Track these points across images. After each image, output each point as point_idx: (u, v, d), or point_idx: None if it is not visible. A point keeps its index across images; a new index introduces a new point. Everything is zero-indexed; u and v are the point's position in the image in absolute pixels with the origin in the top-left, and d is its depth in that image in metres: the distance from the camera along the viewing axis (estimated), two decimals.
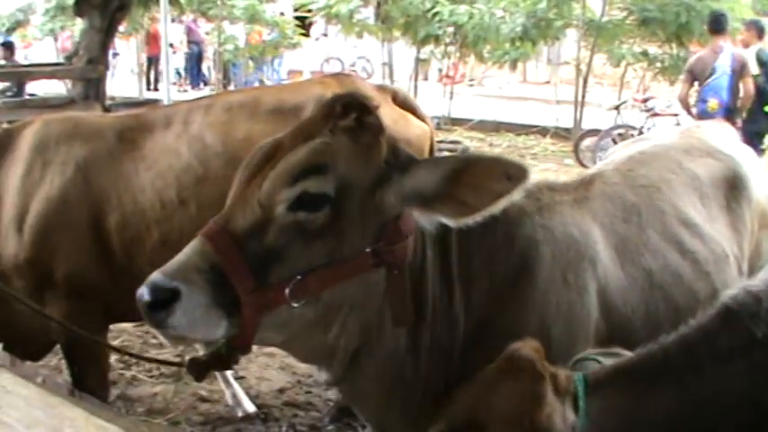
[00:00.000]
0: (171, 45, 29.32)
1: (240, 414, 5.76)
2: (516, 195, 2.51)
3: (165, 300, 2.43)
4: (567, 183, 3.40)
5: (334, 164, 2.58)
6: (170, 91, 13.64)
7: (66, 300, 4.41)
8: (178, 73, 28.97)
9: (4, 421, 1.49)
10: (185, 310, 2.42)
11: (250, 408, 5.79)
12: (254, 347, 6.09)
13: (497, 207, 2.53)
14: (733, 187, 3.83)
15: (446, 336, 2.90)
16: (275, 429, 5.68)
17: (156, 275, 2.49)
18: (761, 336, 2.37)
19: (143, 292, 2.46)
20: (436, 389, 2.87)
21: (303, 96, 4.88)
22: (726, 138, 4.22)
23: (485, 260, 2.96)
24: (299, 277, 2.49)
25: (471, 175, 2.56)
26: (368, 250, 2.61)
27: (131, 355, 5.69)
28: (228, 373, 5.82)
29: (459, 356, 2.91)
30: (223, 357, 2.59)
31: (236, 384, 5.86)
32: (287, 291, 2.48)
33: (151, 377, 6.40)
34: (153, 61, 28.72)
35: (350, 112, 2.65)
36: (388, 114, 5.11)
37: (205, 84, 28.96)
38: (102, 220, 4.42)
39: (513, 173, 2.50)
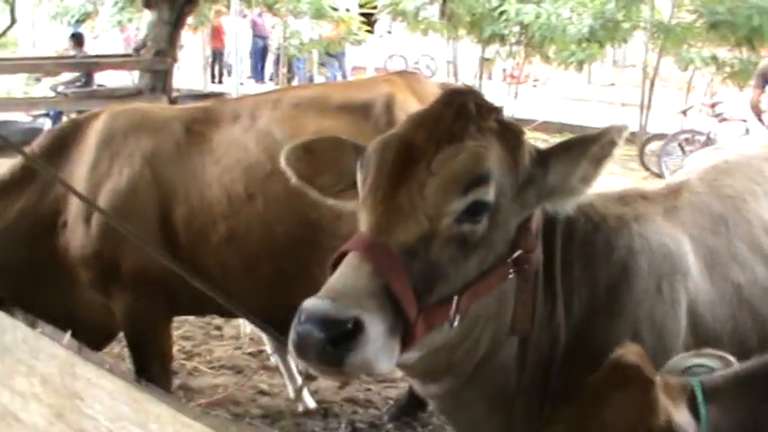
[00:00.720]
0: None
1: (300, 409, 5.78)
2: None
3: (345, 334, 2.14)
4: (656, 191, 3.32)
5: (493, 170, 2.46)
6: (238, 84, 13.66)
7: (132, 292, 4.44)
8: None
9: (87, 414, 1.49)
10: (370, 344, 2.16)
11: (310, 403, 5.81)
12: None
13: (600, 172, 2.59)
14: None
15: (547, 347, 2.81)
16: (335, 425, 5.69)
17: (322, 305, 2.19)
18: None
19: (309, 329, 2.16)
20: (534, 404, 2.80)
21: (371, 94, 4.89)
22: None
23: (585, 268, 2.89)
24: (456, 296, 2.34)
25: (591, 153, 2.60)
26: (509, 259, 2.52)
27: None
28: (293, 365, 5.82)
29: (557, 369, 2.82)
30: None
31: (299, 378, 5.86)
32: (451, 311, 2.33)
33: (212, 368, 6.45)
34: (217, 55, 28.94)
35: (483, 112, 2.56)
36: None
37: (270, 79, 29.05)
38: (168, 214, 4.44)
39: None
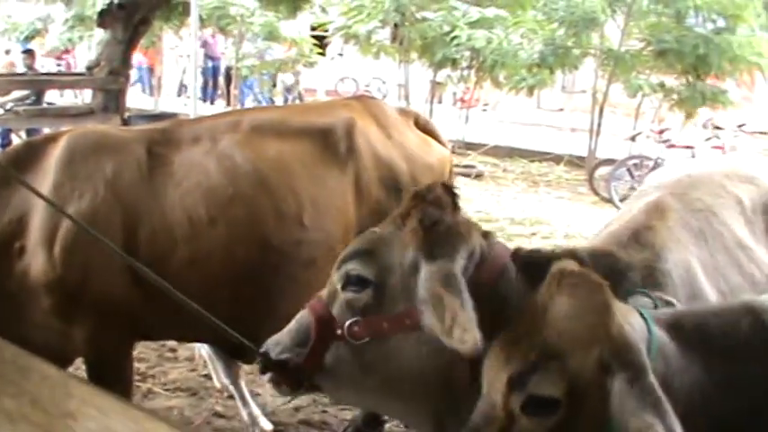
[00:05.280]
0: (181, 57, 29.64)
1: (256, 431, 5.77)
2: None
3: None
4: (641, 217, 3.43)
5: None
6: (196, 105, 13.61)
7: (95, 318, 4.37)
8: (185, 86, 29.03)
9: None
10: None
11: (266, 425, 5.78)
12: None
13: None
14: None
15: None
16: None
17: None
18: None
19: None
20: None
21: (331, 119, 4.90)
22: (761, 165, 4.27)
23: None
24: None
25: None
26: None
27: None
28: (245, 389, 5.82)
29: None
30: None
31: (252, 401, 5.86)
32: None
33: (167, 390, 6.40)
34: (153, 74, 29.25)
35: None
36: (412, 139, 5.14)
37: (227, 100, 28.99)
38: (131, 236, 4.38)
39: None
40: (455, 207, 3.03)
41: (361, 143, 4.79)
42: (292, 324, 3.09)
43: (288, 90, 27.69)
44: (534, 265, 2.78)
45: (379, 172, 4.80)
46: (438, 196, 2.99)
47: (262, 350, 3.12)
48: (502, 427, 2.39)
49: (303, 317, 3.06)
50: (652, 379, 2.32)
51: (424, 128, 5.31)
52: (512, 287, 2.90)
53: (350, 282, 2.96)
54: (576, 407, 2.37)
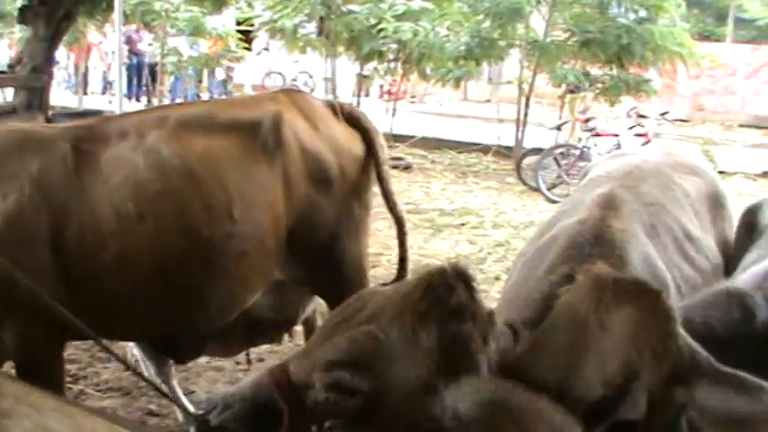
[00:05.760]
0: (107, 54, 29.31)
1: (191, 430, 5.73)
2: None
3: None
4: (596, 211, 3.43)
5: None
6: (121, 102, 13.46)
7: (25, 320, 4.29)
8: (110, 83, 28.72)
9: None
10: None
11: None
12: (203, 360, 6.02)
13: None
14: (717, 205, 3.97)
15: None
16: None
17: None
18: None
19: None
20: None
21: (258, 112, 4.87)
22: (699, 156, 4.37)
23: None
24: None
25: None
26: None
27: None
28: (177, 387, 5.78)
29: None
30: None
31: (185, 400, 5.82)
32: None
33: (99, 391, 6.34)
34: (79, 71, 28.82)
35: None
36: (340, 131, 5.14)
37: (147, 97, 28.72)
38: (59, 235, 4.30)
39: None
40: (470, 291, 2.62)
41: (289, 136, 4.78)
42: (247, 390, 2.65)
43: (222, 85, 27.58)
44: None
45: (307, 164, 4.79)
46: (460, 301, 2.56)
47: (201, 413, 2.67)
48: None
49: (263, 391, 2.62)
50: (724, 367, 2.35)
51: (349, 118, 5.29)
52: None
53: (338, 388, 2.55)
54: (649, 424, 2.35)
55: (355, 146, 5.08)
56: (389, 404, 2.51)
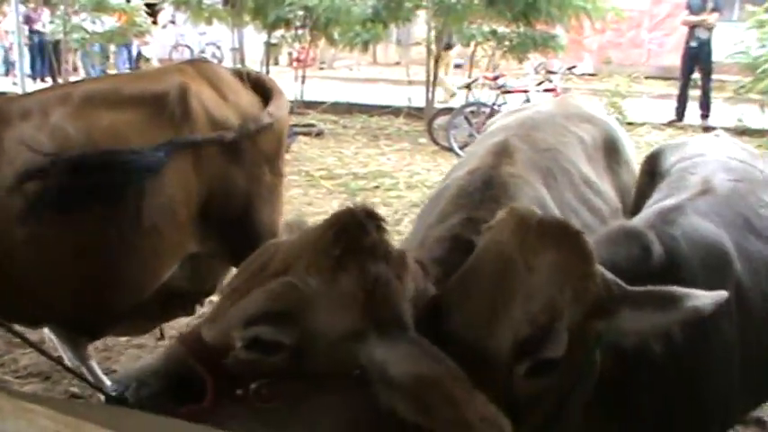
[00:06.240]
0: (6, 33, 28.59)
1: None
2: None
3: None
4: (488, 158, 3.43)
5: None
6: (23, 82, 13.17)
7: None
8: (12, 64, 28.05)
9: None
10: None
11: None
12: (124, 339, 5.94)
13: None
14: (612, 150, 4.05)
15: None
16: None
17: None
18: None
19: None
20: None
21: (164, 84, 4.82)
22: (597, 106, 4.44)
23: None
24: None
25: None
26: None
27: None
28: (96, 368, 5.71)
29: None
30: None
31: (106, 379, 5.76)
32: None
33: (18, 377, 6.24)
34: None
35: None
36: (248, 99, 5.12)
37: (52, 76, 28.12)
38: None
39: None
40: (381, 231, 2.54)
41: (196, 106, 4.74)
42: (160, 363, 2.47)
43: (129, 60, 27.20)
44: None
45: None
46: (374, 241, 2.49)
47: (117, 391, 2.42)
48: (497, 394, 2.26)
49: (179, 361, 2.45)
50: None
51: (255, 84, 5.26)
52: None
53: (259, 345, 2.41)
54: (568, 359, 2.38)
55: (264, 113, 5.06)
56: (316, 356, 2.41)
